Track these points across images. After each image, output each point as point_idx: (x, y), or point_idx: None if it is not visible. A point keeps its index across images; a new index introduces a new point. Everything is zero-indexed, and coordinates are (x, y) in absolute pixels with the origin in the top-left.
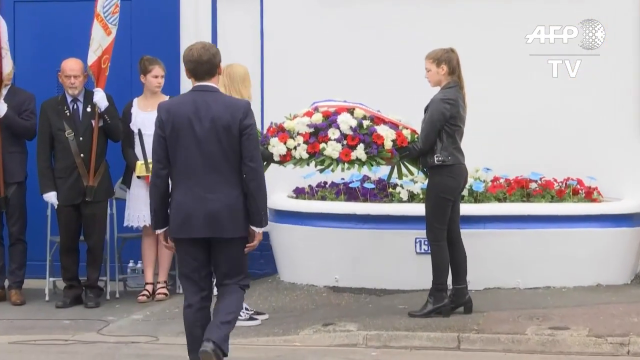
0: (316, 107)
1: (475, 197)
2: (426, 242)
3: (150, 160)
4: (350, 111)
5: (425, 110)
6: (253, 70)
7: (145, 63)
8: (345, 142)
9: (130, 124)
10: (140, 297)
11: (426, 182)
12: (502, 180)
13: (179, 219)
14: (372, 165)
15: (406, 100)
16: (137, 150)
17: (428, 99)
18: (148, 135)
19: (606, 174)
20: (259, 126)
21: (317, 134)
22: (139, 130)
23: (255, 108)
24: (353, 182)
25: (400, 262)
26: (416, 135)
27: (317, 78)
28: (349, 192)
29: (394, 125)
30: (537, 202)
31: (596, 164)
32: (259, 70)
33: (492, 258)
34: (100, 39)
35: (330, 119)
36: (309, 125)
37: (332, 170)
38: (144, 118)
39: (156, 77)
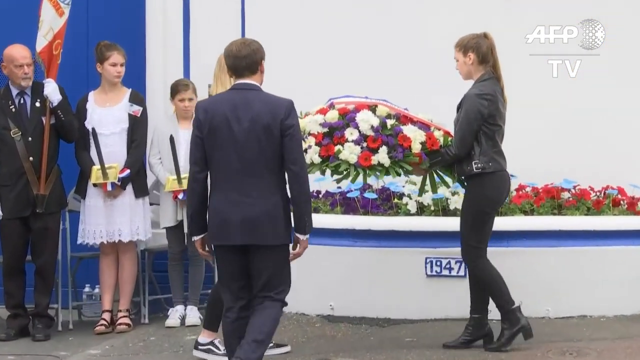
0: (332, 103)
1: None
2: (438, 264)
3: (108, 164)
4: (372, 108)
5: (458, 108)
6: None
7: (102, 49)
8: (365, 144)
9: (85, 122)
10: (97, 328)
11: (439, 191)
12: (528, 189)
13: (216, 224)
14: (397, 173)
15: (428, 99)
16: (93, 153)
17: (455, 96)
18: (105, 136)
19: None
20: None
21: (332, 135)
22: (93, 130)
23: None
24: (351, 191)
25: (407, 286)
26: (450, 139)
27: (307, 70)
28: (346, 203)
29: (425, 126)
30: (570, 214)
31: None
32: None
33: (517, 281)
34: (52, 21)
35: (347, 117)
36: (322, 125)
37: (352, 181)
38: (101, 115)
39: (114, 65)
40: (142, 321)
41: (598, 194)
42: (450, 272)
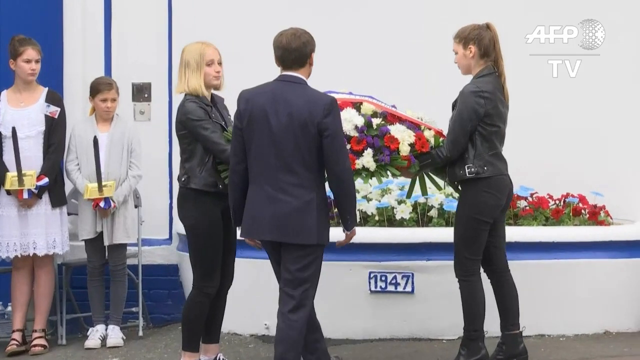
0: None
1: (447, 219)
2: (383, 278)
3: (25, 171)
4: (357, 106)
5: (454, 106)
6: (159, 59)
7: (15, 44)
8: (348, 146)
9: None
10: (8, 348)
11: (383, 200)
12: None
13: (248, 218)
14: (382, 177)
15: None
16: (8, 157)
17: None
18: (20, 139)
19: (615, 189)
20: (165, 127)
21: None
22: (13, 131)
23: (162, 100)
24: None
25: (349, 303)
26: (442, 139)
27: (249, 61)
28: None
29: (414, 125)
30: (526, 225)
31: (602, 176)
32: (166, 59)
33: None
34: None
35: None
36: None
37: None
38: (14, 116)
39: (29, 61)
40: (59, 342)
41: (557, 202)
42: (396, 288)
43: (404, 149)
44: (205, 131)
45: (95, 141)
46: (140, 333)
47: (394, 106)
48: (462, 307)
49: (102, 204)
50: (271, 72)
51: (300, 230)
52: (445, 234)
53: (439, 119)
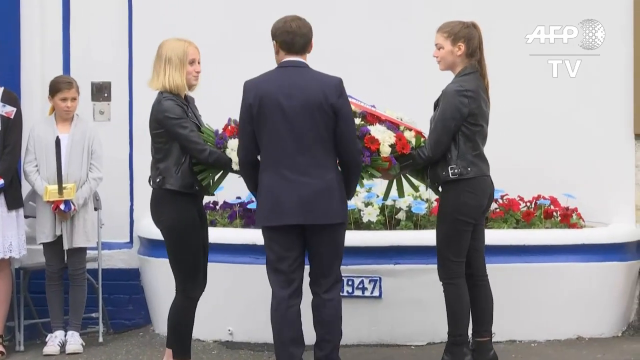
0: None
1: (415, 222)
2: (350, 283)
3: None
4: None
5: (435, 106)
6: (119, 57)
7: None
8: None
9: None
10: None
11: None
12: None
13: (269, 204)
14: (363, 179)
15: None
16: None
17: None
18: None
19: (588, 191)
20: (126, 127)
21: None
22: None
23: (123, 100)
24: (252, 201)
25: None
26: (423, 140)
27: (212, 59)
28: (247, 215)
29: (394, 126)
30: (496, 228)
31: (577, 177)
32: (126, 57)
33: (435, 304)
34: None
35: None
36: None
37: None
38: None
39: None
40: (16, 348)
41: (528, 204)
42: (363, 293)
43: (385, 150)
44: (184, 130)
45: (58, 142)
46: (101, 339)
47: (373, 106)
48: (447, 311)
49: (62, 207)
50: (235, 67)
51: (327, 210)
52: (413, 237)
53: (421, 117)
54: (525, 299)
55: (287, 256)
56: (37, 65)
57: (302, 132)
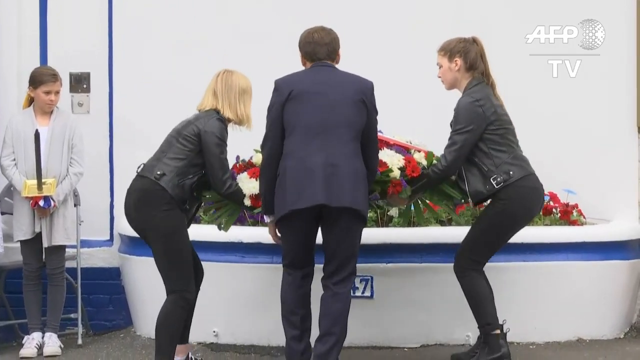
0: None
1: (411, 220)
2: None
3: None
4: None
5: (452, 125)
6: (99, 47)
7: None
8: None
9: None
10: None
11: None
12: None
13: (294, 188)
14: (373, 208)
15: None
16: None
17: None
18: None
19: (590, 187)
20: (105, 120)
21: None
22: None
23: (102, 91)
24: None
25: None
26: (435, 157)
27: (195, 50)
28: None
29: (403, 149)
30: None
31: (577, 173)
32: (106, 47)
33: (431, 303)
34: None
35: None
36: None
37: None
38: None
39: None
40: None
41: None
42: (354, 293)
43: (395, 174)
44: (222, 154)
45: (37, 135)
46: (80, 341)
47: (380, 131)
48: (469, 303)
49: (41, 203)
50: (217, 61)
51: (356, 197)
52: (406, 235)
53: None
54: (523, 299)
55: (305, 243)
56: (14, 56)
57: (338, 122)
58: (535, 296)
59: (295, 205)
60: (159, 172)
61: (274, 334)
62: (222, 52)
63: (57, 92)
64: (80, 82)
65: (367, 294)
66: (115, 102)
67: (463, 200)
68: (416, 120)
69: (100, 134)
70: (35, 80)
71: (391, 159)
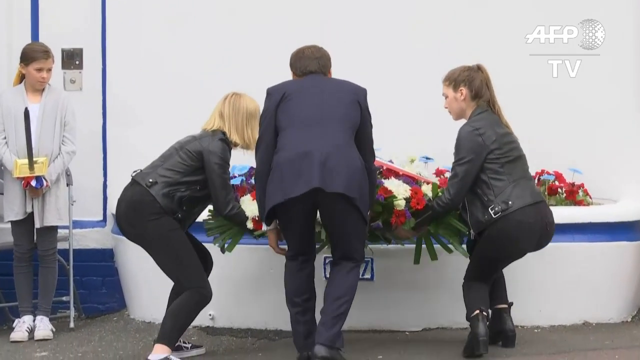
0: None
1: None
2: None
3: None
4: None
5: (454, 155)
6: (92, 22)
7: None
8: None
9: None
10: None
11: None
12: (447, 175)
13: (290, 177)
14: (380, 239)
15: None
16: None
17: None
18: None
19: (595, 166)
20: (99, 97)
21: None
22: None
23: (95, 68)
24: (235, 177)
25: None
26: (440, 189)
27: (191, 25)
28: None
29: (411, 179)
30: None
31: (583, 154)
32: (99, 22)
33: (434, 286)
34: None
35: None
36: None
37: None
38: None
39: None
40: None
41: None
42: None
43: (400, 204)
44: (224, 174)
45: (27, 113)
46: (72, 324)
47: (390, 161)
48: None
49: (33, 183)
50: (212, 37)
51: (351, 185)
52: None
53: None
54: (528, 282)
55: (302, 232)
56: (4, 31)
57: (334, 119)
58: (540, 279)
59: (291, 194)
60: (150, 180)
61: (270, 317)
62: (216, 29)
63: (49, 70)
64: (72, 59)
65: (367, 276)
66: (108, 79)
67: (468, 233)
68: (416, 120)
69: (93, 111)
70: (27, 57)
71: (397, 189)
